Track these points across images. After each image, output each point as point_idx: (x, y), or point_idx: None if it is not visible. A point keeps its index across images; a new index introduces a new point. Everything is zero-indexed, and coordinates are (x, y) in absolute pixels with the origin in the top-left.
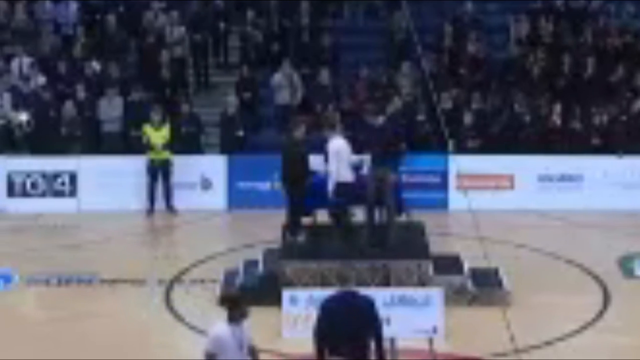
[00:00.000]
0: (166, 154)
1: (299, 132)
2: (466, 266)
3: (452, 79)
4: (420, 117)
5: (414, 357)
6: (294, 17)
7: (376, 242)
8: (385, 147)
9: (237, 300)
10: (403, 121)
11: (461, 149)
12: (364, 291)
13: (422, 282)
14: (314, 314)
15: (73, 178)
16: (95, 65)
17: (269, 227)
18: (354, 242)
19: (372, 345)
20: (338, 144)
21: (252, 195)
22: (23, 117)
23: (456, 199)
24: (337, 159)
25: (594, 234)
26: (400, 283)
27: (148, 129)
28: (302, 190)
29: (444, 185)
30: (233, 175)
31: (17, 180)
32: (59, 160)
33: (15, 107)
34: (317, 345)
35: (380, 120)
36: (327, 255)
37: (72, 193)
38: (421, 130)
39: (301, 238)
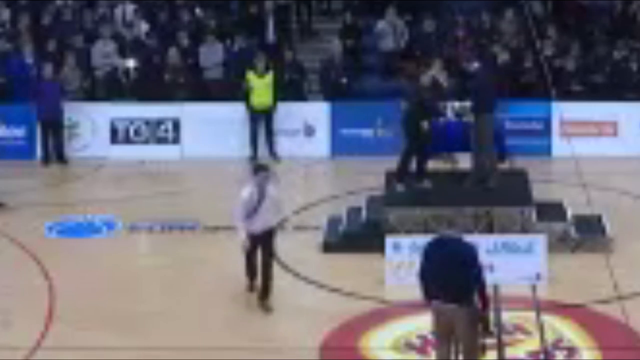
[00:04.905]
0: (269, 101)
1: (426, 78)
2: (569, 213)
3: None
4: (527, 64)
5: (517, 304)
6: None
7: (477, 186)
8: (476, 93)
9: None
10: (499, 67)
11: (564, 96)
12: (467, 238)
13: (525, 229)
14: (417, 261)
15: (176, 125)
16: (199, 12)
17: (371, 173)
18: (458, 187)
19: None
20: None
21: (354, 142)
22: (130, 63)
23: (559, 146)
24: None
25: None
26: (504, 230)
27: (251, 76)
28: (421, 136)
29: (547, 132)
30: (336, 122)
31: (121, 127)
32: (163, 107)
33: (121, 53)
34: (423, 289)
35: (476, 66)
36: (431, 202)
37: (176, 140)
38: (527, 78)
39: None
